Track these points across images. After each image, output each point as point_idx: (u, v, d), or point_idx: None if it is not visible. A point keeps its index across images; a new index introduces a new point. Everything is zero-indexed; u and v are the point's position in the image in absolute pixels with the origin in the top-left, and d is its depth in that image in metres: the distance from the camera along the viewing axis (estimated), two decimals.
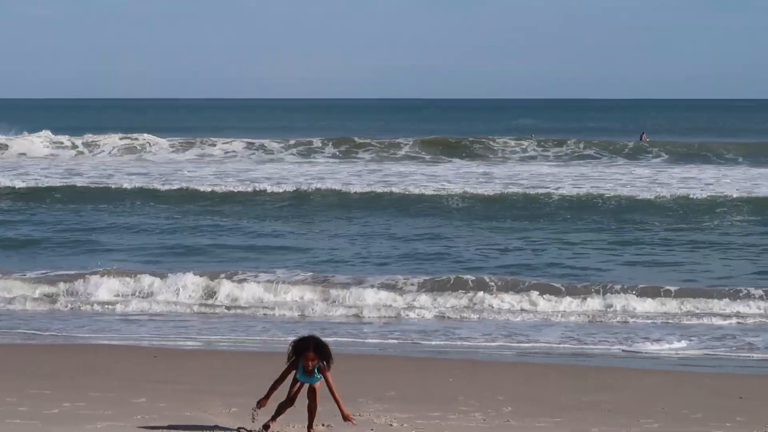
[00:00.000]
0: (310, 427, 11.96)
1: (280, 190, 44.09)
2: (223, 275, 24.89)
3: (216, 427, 12.39)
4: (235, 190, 44.17)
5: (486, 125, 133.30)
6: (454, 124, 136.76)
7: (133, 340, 19.79)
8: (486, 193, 42.95)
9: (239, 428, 12.19)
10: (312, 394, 11.78)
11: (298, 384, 11.81)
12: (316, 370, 11.59)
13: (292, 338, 12.29)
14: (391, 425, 12.75)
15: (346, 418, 11.69)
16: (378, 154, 64.12)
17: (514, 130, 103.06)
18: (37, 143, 66.49)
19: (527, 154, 63.94)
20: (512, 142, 66.45)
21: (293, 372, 11.72)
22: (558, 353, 19.07)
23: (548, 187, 45.23)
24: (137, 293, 24.03)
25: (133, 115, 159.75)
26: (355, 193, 43.49)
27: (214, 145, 65.70)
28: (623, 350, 19.27)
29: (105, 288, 24.19)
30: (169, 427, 12.33)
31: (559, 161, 61.66)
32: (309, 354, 11.50)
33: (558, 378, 16.45)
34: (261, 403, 11.77)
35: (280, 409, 11.98)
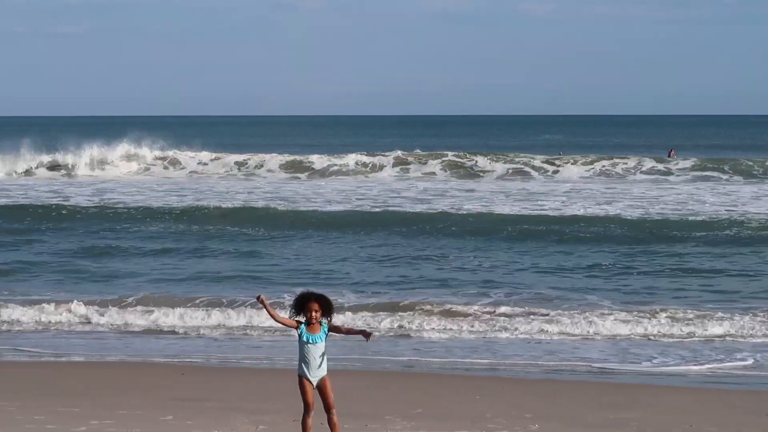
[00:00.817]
0: None
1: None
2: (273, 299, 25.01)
3: None
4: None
5: (511, 141, 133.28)
6: (481, 140, 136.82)
7: (161, 358, 19.87)
8: (523, 213, 42.80)
9: None
10: (328, 406, 11.58)
11: (309, 386, 11.59)
12: (323, 327, 11.53)
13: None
14: None
15: (367, 336, 11.72)
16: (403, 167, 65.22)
17: (540, 146, 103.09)
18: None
19: (557, 170, 64.01)
20: (540, 158, 66.75)
21: (295, 329, 11.52)
22: (585, 371, 19.00)
23: (580, 205, 45.20)
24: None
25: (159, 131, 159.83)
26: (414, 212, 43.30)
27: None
28: (650, 368, 19.20)
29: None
30: None
31: (591, 177, 61.75)
32: (312, 304, 11.52)
33: (585, 396, 16.40)
34: (259, 297, 11.60)
35: (305, 425, 11.70)
